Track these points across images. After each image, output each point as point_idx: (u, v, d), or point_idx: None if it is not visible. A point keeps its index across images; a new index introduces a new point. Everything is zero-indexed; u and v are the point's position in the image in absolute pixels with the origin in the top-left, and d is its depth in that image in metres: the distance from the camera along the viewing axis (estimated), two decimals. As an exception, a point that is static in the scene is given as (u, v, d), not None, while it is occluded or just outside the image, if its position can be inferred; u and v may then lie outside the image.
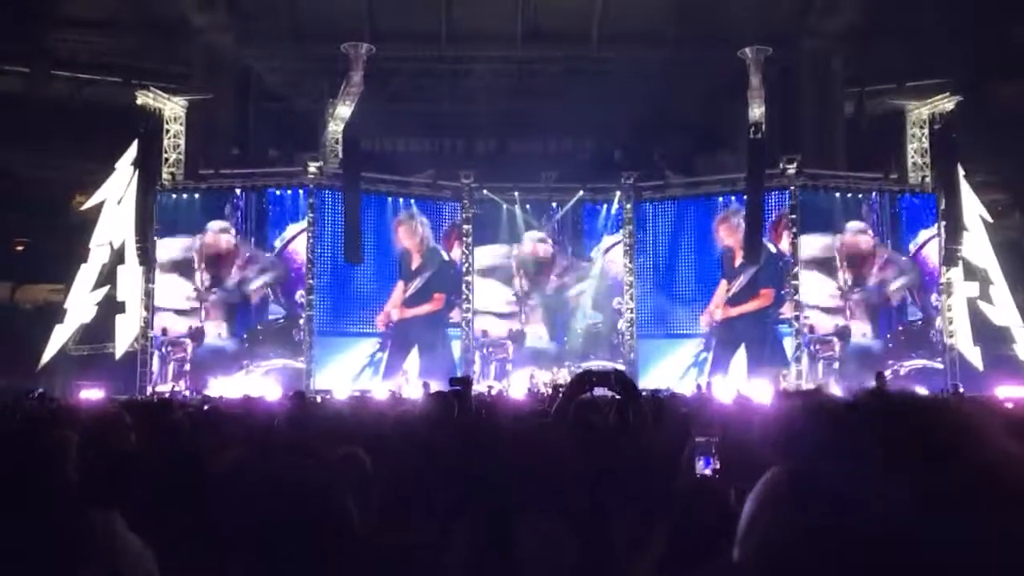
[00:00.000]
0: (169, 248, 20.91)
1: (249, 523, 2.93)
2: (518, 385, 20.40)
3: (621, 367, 20.58)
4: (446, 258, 22.28)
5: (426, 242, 22.12)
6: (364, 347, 21.40)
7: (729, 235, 21.75)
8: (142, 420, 5.98)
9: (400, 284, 21.80)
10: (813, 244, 21.12)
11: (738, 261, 21.53)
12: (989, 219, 21.53)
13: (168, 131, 21.31)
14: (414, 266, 22.00)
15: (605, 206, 22.63)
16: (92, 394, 17.17)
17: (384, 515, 2.65)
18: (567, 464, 3.40)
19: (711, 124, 23.67)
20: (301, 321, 20.68)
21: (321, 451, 4.14)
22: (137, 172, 20.66)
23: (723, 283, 21.63)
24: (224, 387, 19.04)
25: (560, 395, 5.34)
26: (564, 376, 18.79)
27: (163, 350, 20.71)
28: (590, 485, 3.16)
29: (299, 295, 20.85)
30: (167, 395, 16.02)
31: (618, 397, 4.94)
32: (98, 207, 21.19)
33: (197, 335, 20.71)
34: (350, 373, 20.85)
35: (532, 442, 3.72)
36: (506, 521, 3.00)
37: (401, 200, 22.14)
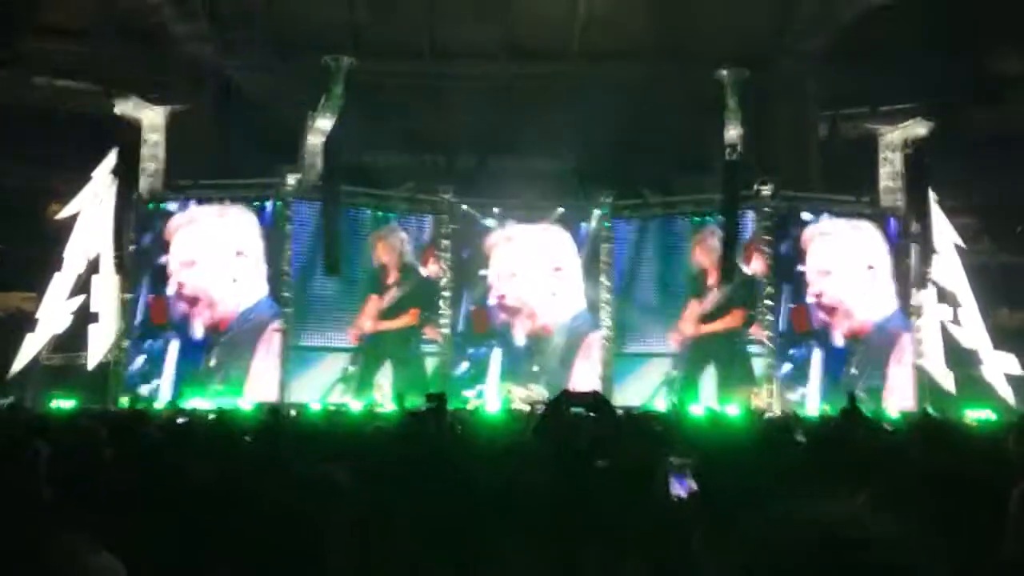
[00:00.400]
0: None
1: (223, 544, 2.96)
2: (493, 398, 20.44)
3: (597, 387, 20.71)
4: (423, 274, 22.29)
5: (404, 257, 22.13)
6: (336, 361, 21.33)
7: (704, 255, 21.95)
8: (115, 434, 5.98)
9: (374, 298, 21.78)
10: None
11: (710, 281, 21.74)
12: (962, 244, 21.86)
13: (147, 141, 21.22)
14: (390, 280, 21.98)
15: (583, 224, 22.80)
16: (64, 404, 17.03)
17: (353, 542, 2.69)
18: (540, 487, 3.45)
19: (689, 144, 23.88)
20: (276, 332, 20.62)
21: (295, 469, 4.17)
22: (115, 182, 20.55)
23: (694, 302, 21.83)
24: (199, 399, 18.96)
25: (537, 414, 5.41)
26: (540, 392, 18.85)
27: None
28: (562, 509, 3.21)
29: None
30: (137, 407, 15.85)
31: (594, 417, 5.01)
32: (74, 216, 21.04)
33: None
34: (321, 387, 20.78)
35: (506, 464, 3.78)
36: (476, 542, 3.05)
37: (380, 213, 22.17)
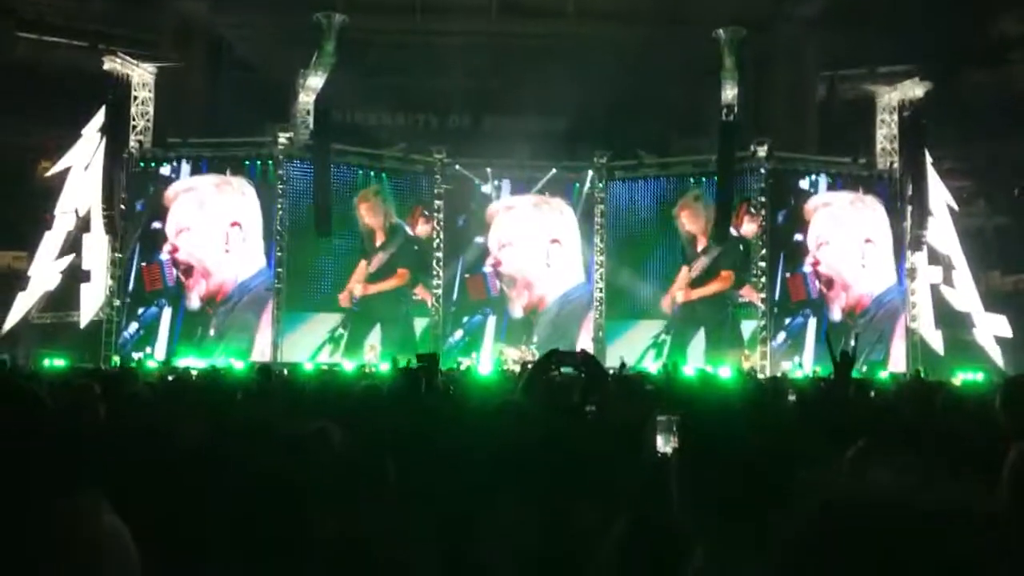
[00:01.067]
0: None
1: (214, 503, 2.94)
2: (486, 361, 20.46)
3: (590, 348, 20.74)
4: (410, 234, 22.18)
5: (389, 218, 21.97)
6: (326, 322, 21.29)
7: (691, 221, 21.87)
8: (106, 391, 5.95)
9: (363, 262, 21.65)
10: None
11: (700, 246, 21.68)
12: (955, 206, 21.84)
13: (136, 98, 21.00)
14: (377, 243, 21.85)
15: (576, 185, 22.70)
16: (56, 362, 17.00)
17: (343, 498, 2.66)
18: (531, 446, 3.43)
19: (685, 105, 23.70)
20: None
21: (286, 428, 4.14)
22: (104, 139, 20.35)
23: (684, 268, 21.78)
24: (192, 358, 18.95)
25: (527, 373, 5.38)
26: (533, 353, 18.86)
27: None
28: (553, 467, 3.19)
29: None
30: (128, 365, 15.83)
31: (583, 376, 4.99)
32: (63, 174, 20.86)
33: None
34: (311, 348, 20.78)
35: (497, 422, 3.75)
36: (468, 503, 3.03)
37: (372, 173, 22.02)
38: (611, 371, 8.44)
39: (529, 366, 6.16)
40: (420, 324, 21.97)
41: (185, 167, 20.87)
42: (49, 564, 2.08)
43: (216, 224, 20.70)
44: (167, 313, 20.44)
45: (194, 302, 20.47)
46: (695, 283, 21.72)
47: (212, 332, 20.39)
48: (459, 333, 22.32)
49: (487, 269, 22.45)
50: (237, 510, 2.40)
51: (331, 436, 3.52)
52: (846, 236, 21.41)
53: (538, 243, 22.57)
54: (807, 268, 21.29)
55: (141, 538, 2.53)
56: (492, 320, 22.33)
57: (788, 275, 21.31)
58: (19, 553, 2.08)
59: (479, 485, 3.09)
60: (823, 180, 21.67)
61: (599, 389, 4.32)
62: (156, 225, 20.58)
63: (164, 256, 20.50)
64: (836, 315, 21.09)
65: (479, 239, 22.49)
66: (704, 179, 21.86)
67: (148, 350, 19.91)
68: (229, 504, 2.43)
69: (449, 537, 2.79)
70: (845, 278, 21.32)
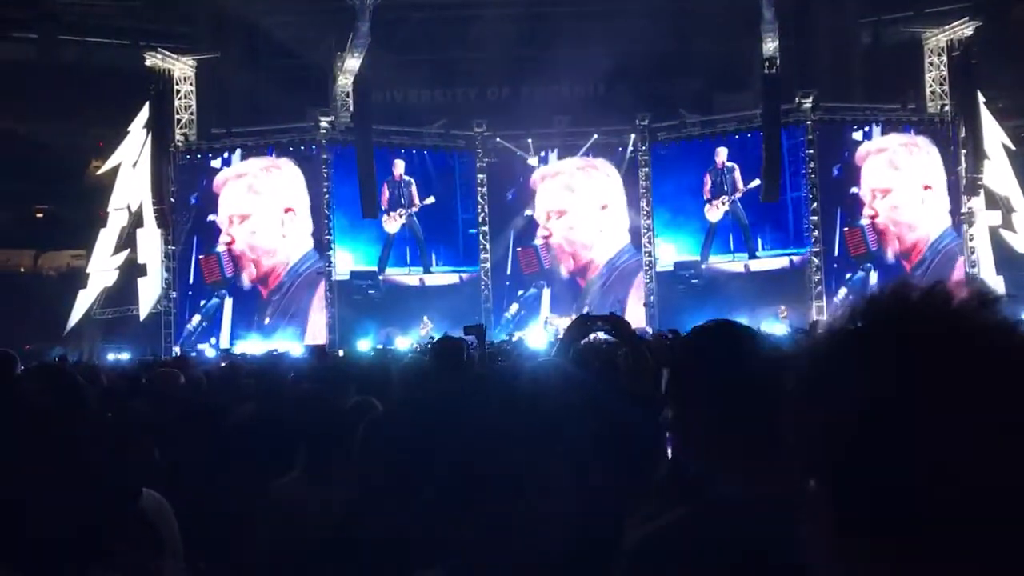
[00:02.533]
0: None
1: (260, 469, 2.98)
2: (538, 332, 20.46)
3: (642, 315, 20.68)
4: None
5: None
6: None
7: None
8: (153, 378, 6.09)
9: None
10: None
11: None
12: (1012, 147, 21.17)
13: (179, 92, 21.29)
14: None
15: (619, 149, 22.47)
16: (120, 356, 17.48)
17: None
18: (572, 408, 3.44)
19: (726, 61, 23.28)
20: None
21: (333, 401, 4.20)
22: (150, 135, 20.70)
23: None
24: (250, 344, 19.29)
25: (561, 340, 5.36)
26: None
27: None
28: (594, 431, 3.20)
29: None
30: (183, 355, 16.15)
31: (614, 338, 4.96)
32: (114, 171, 21.29)
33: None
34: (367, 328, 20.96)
35: (537, 387, 3.77)
36: (512, 465, 3.05)
37: (414, 152, 22.06)
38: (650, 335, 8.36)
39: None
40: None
41: (236, 157, 21.13)
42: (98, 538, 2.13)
43: (270, 209, 20.95)
44: (228, 303, 20.82)
45: (247, 285, 20.80)
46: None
47: (268, 319, 20.70)
48: (515, 307, 22.34)
49: (538, 241, 22.39)
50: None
51: (374, 408, 3.56)
52: (903, 183, 20.88)
53: (587, 209, 22.38)
54: (865, 221, 20.85)
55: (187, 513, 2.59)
56: (547, 292, 22.31)
57: (846, 229, 20.90)
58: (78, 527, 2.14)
59: (524, 447, 3.11)
60: (876, 130, 21.12)
61: (633, 352, 4.28)
62: (211, 217, 20.90)
63: (220, 247, 20.82)
64: (891, 264, 20.67)
65: (528, 212, 22.41)
66: (749, 135, 21.47)
67: (213, 340, 20.29)
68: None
69: (493, 504, 2.81)
70: (903, 226, 20.84)
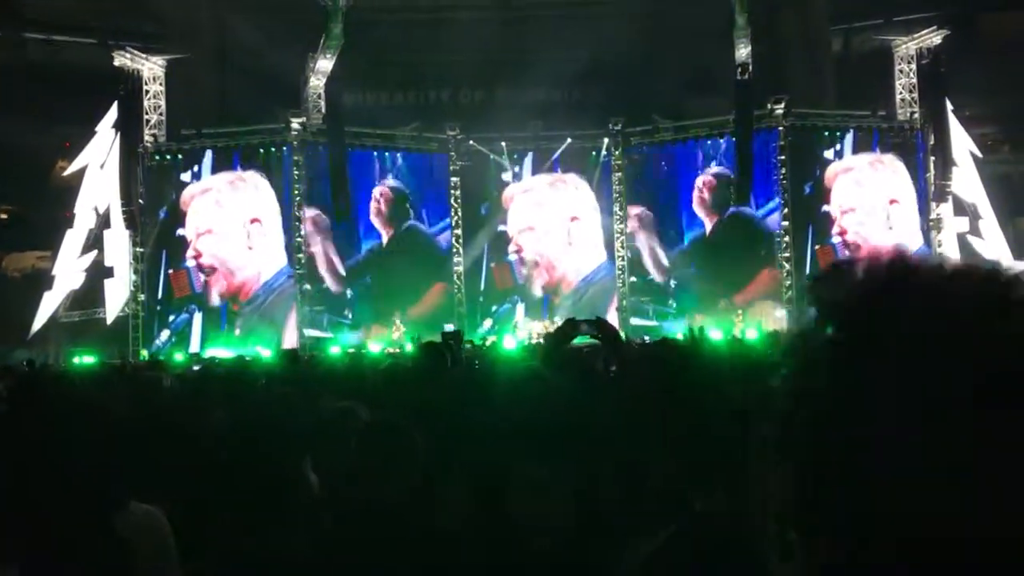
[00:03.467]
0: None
1: (227, 481, 2.89)
2: (510, 337, 20.42)
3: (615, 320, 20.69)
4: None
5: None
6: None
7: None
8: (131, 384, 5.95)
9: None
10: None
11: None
12: (979, 154, 21.46)
13: (148, 92, 21.01)
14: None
15: (593, 153, 22.50)
16: (85, 359, 17.15)
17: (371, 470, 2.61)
18: (558, 415, 3.38)
19: (699, 67, 23.38)
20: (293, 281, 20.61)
21: (311, 407, 4.11)
22: (118, 135, 20.40)
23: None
24: (219, 349, 19.04)
25: (546, 343, 5.32)
26: (555, 325, 18.78)
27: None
28: (579, 434, 3.13)
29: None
30: (158, 359, 15.93)
31: (599, 342, 4.93)
32: (81, 172, 20.97)
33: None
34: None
35: (522, 392, 3.70)
36: (498, 474, 2.98)
37: (387, 155, 21.94)
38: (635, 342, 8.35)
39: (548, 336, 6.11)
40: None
41: (206, 166, 20.81)
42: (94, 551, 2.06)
43: (235, 222, 20.69)
44: (198, 318, 20.56)
45: (216, 301, 20.53)
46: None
47: (238, 331, 20.40)
48: (488, 322, 22.23)
49: (511, 257, 22.32)
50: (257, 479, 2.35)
51: (357, 414, 3.48)
52: (870, 199, 21.08)
53: (557, 223, 22.40)
54: (835, 239, 21.03)
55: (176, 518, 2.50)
56: (520, 308, 22.27)
57: (818, 247, 21.06)
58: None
59: (506, 452, 3.05)
60: (847, 144, 21.26)
61: (617, 354, 4.24)
62: (180, 232, 20.63)
63: (190, 262, 20.55)
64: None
65: (501, 226, 22.35)
66: (721, 140, 21.59)
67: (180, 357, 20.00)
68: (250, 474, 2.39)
69: (480, 504, 2.74)
70: (873, 243, 21.01)
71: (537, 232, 22.32)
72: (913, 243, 20.96)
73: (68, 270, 20.76)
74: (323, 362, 11.12)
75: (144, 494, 2.50)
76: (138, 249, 20.51)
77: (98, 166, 20.71)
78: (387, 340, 19.64)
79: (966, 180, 21.06)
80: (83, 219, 20.79)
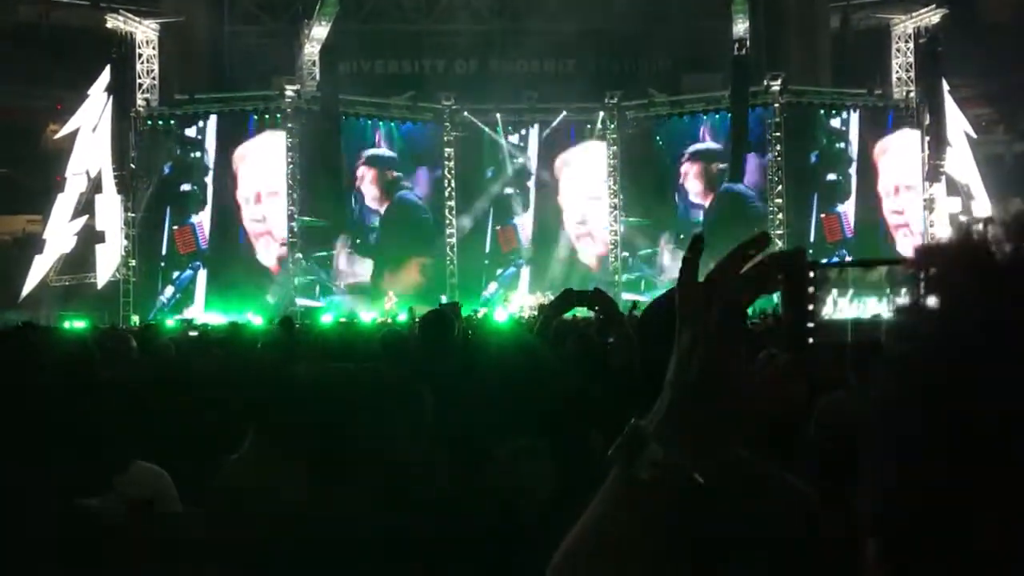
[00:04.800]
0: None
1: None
2: (502, 310, 20.46)
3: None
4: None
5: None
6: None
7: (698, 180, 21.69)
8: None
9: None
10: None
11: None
12: (973, 134, 21.49)
13: (141, 56, 20.81)
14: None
15: (588, 126, 22.44)
16: (76, 324, 17.10)
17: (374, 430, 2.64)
18: (548, 384, 3.41)
19: (696, 42, 23.31)
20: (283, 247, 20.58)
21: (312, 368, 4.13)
22: (111, 99, 20.23)
23: None
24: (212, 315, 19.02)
25: (542, 315, 5.34)
26: (548, 298, 18.83)
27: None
28: (569, 405, 3.17)
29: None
30: (152, 323, 15.89)
31: (600, 316, 4.95)
32: (72, 135, 20.79)
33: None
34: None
35: (514, 362, 3.73)
36: (484, 440, 3.02)
37: (380, 123, 21.84)
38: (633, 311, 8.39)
39: (544, 308, 6.13)
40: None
41: (211, 126, 20.70)
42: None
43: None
44: (202, 275, 20.58)
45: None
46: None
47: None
48: (493, 286, 22.24)
49: (516, 220, 22.29)
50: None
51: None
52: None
53: (571, 193, 22.59)
54: (841, 208, 21.10)
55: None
56: (525, 270, 22.30)
57: (823, 215, 21.12)
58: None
59: (495, 424, 3.09)
60: (853, 118, 21.30)
61: (615, 327, 4.27)
62: (185, 187, 20.56)
63: (195, 219, 20.56)
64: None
65: (509, 190, 22.28)
66: (717, 115, 21.56)
67: (186, 313, 19.87)
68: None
69: (467, 469, 2.79)
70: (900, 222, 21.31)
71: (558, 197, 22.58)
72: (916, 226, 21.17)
73: (59, 234, 20.65)
74: (316, 329, 11.13)
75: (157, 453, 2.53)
76: (130, 214, 20.41)
77: (90, 130, 20.54)
78: (380, 310, 19.66)
79: (960, 160, 21.10)
80: (74, 183, 20.65)
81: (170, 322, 18.48)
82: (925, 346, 0.60)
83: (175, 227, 20.63)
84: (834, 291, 0.83)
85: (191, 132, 20.77)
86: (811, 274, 0.82)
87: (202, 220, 20.73)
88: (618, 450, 0.86)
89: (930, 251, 0.62)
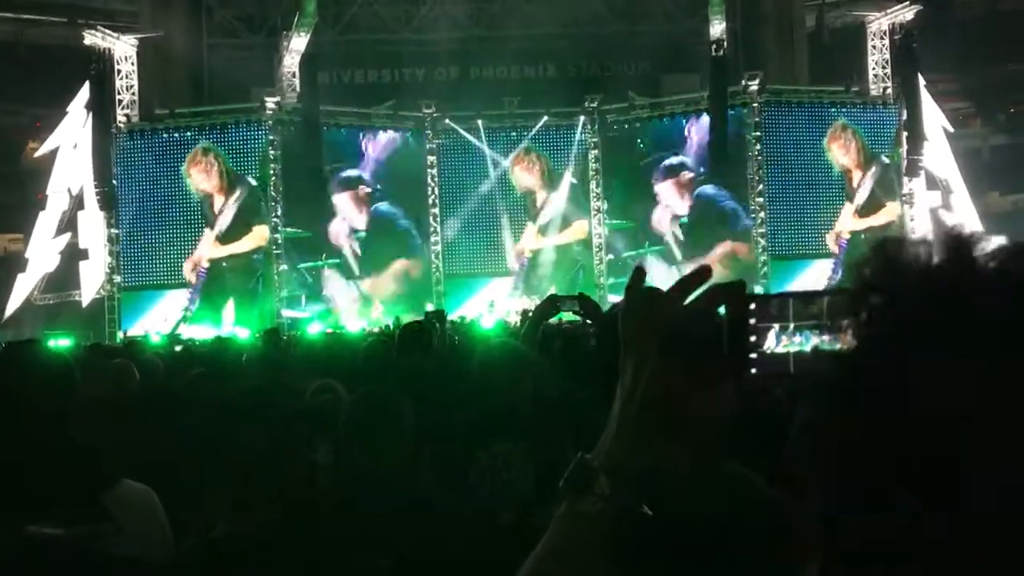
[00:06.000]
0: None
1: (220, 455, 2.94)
2: (487, 315, 20.48)
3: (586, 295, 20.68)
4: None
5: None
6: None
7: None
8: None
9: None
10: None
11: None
12: (950, 128, 21.69)
13: (120, 72, 20.76)
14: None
15: (569, 130, 22.51)
16: (61, 342, 17.01)
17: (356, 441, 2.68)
18: (531, 389, 3.46)
19: (674, 44, 23.43)
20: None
21: (295, 384, 4.16)
22: (90, 115, 20.17)
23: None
24: (196, 330, 18.96)
25: (528, 320, 5.37)
26: (534, 302, 18.87)
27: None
28: (552, 409, 3.22)
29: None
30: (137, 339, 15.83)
31: (585, 320, 5.00)
32: (53, 153, 20.72)
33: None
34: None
35: (498, 369, 3.77)
36: (466, 446, 3.06)
37: (360, 134, 21.85)
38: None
39: (529, 313, 6.17)
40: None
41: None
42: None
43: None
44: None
45: None
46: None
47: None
48: (480, 292, 21.97)
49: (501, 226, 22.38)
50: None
51: (338, 388, 3.55)
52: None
53: (528, 197, 22.47)
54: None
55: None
56: (512, 277, 22.34)
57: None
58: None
59: (477, 429, 3.14)
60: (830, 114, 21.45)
61: (600, 330, 4.33)
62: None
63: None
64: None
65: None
66: (696, 117, 21.68)
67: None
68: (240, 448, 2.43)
69: (449, 473, 2.83)
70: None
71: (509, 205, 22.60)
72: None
73: (42, 252, 20.56)
74: (302, 343, 11.13)
75: (134, 471, 2.54)
76: (113, 231, 20.34)
77: (71, 147, 20.47)
78: (368, 320, 19.67)
79: (938, 155, 21.29)
80: (56, 201, 20.57)
81: (155, 338, 18.43)
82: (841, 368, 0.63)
83: None
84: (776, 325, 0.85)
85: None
86: (751, 306, 0.84)
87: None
88: (566, 484, 0.87)
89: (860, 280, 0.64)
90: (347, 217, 21.58)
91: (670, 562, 1.23)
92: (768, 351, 0.83)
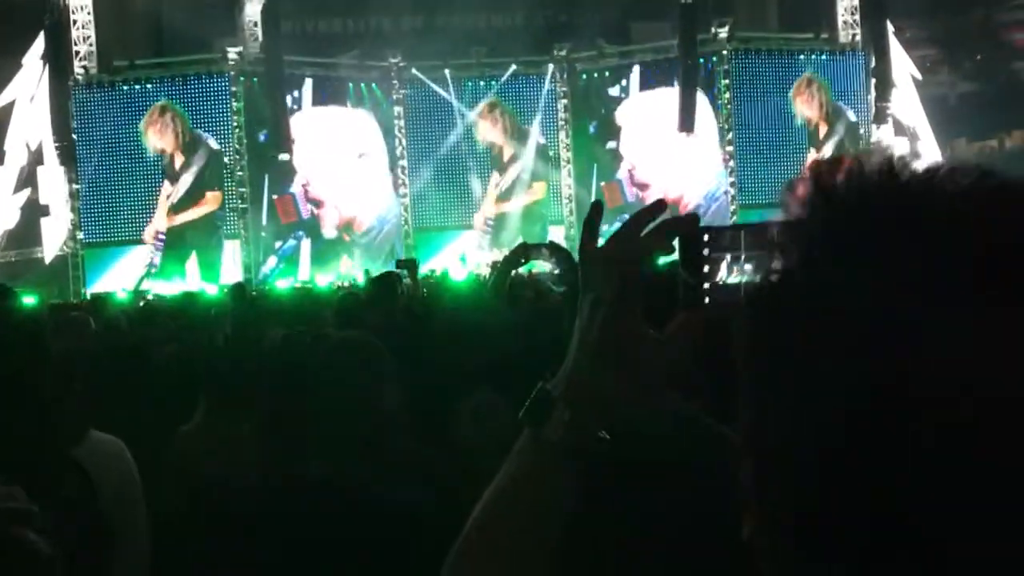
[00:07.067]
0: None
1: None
2: (460, 268, 20.42)
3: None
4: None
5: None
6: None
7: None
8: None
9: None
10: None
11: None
12: (919, 76, 21.74)
13: (75, 22, 20.17)
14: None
15: (538, 80, 22.29)
16: (25, 300, 16.73)
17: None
18: (503, 339, 3.43)
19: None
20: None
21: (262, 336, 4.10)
22: (47, 67, 19.63)
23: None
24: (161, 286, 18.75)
25: (496, 270, 5.34)
26: (503, 253, 18.85)
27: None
28: (525, 358, 3.20)
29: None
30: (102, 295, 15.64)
31: (555, 269, 4.97)
32: (9, 107, 20.18)
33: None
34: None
35: (470, 319, 3.75)
36: (444, 395, 3.04)
37: (325, 84, 21.48)
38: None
39: (498, 264, 6.14)
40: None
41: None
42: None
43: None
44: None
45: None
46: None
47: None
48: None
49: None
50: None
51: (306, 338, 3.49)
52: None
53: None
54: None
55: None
56: (484, 229, 22.12)
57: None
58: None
59: (451, 379, 3.11)
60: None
61: (569, 276, 4.30)
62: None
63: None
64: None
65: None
66: (667, 65, 21.53)
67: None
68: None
69: (432, 424, 2.81)
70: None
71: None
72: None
73: (1, 209, 20.14)
74: (270, 297, 11.05)
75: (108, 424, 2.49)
76: (74, 186, 19.93)
77: (27, 100, 19.94)
78: (337, 274, 19.56)
79: (906, 102, 21.36)
80: (14, 156, 20.09)
81: (121, 294, 18.20)
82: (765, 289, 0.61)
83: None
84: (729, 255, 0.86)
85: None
86: (704, 237, 0.86)
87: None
88: (527, 412, 0.90)
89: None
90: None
91: (626, 490, 1.25)
92: (721, 282, 0.85)
